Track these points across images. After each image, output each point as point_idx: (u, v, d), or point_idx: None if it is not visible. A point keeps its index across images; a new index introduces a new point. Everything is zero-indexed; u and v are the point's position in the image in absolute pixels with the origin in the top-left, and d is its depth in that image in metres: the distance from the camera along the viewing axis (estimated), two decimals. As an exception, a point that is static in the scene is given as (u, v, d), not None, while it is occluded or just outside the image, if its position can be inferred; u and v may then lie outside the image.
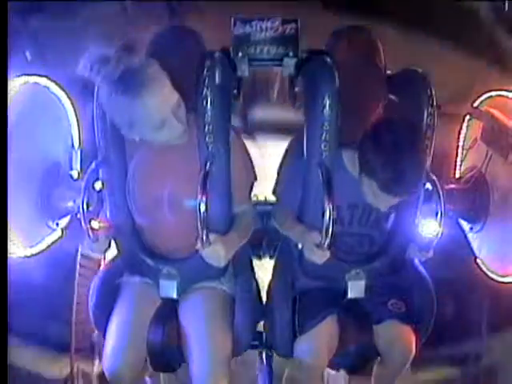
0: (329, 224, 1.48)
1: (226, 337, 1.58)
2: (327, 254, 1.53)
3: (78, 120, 1.87)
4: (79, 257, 2.13)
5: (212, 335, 1.55)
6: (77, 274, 2.13)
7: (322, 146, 1.56)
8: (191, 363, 1.55)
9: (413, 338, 1.66)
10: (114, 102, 1.39)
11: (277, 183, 1.72)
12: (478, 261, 1.97)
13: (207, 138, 1.52)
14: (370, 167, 1.45)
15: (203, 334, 1.56)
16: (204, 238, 1.46)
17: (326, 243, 1.50)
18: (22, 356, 2.08)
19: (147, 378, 1.77)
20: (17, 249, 1.70)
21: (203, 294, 1.64)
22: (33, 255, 1.77)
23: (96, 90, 1.49)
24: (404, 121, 1.52)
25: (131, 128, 1.44)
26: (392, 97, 1.72)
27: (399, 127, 1.47)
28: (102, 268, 1.82)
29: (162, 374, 1.81)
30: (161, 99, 1.39)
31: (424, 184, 1.63)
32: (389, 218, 1.67)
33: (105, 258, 1.91)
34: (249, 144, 1.69)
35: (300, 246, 1.65)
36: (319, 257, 1.54)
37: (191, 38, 1.79)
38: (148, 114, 1.40)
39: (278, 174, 1.73)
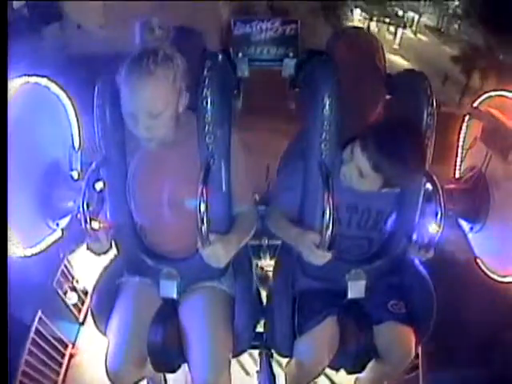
0: (329, 223, 1.48)
1: (226, 337, 1.58)
2: (328, 255, 1.51)
3: (78, 120, 1.87)
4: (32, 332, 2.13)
5: (212, 335, 1.55)
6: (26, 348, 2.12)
7: (322, 146, 1.57)
8: (191, 363, 1.55)
9: (413, 339, 1.66)
10: (123, 72, 1.38)
11: (275, 184, 1.72)
12: (477, 261, 1.97)
13: (207, 138, 1.52)
14: (368, 144, 1.47)
15: (203, 333, 1.56)
16: (204, 237, 1.46)
17: (327, 244, 1.49)
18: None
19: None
20: (16, 249, 1.70)
21: (203, 294, 1.65)
22: (33, 255, 1.77)
23: (96, 88, 1.49)
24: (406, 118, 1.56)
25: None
26: (392, 96, 1.73)
27: (402, 120, 1.52)
28: (101, 271, 1.82)
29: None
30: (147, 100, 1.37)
31: (424, 184, 1.64)
32: (387, 220, 1.67)
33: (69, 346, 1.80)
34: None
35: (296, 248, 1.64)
36: (319, 258, 1.52)
37: (192, 37, 1.80)
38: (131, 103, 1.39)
39: (277, 175, 1.73)
